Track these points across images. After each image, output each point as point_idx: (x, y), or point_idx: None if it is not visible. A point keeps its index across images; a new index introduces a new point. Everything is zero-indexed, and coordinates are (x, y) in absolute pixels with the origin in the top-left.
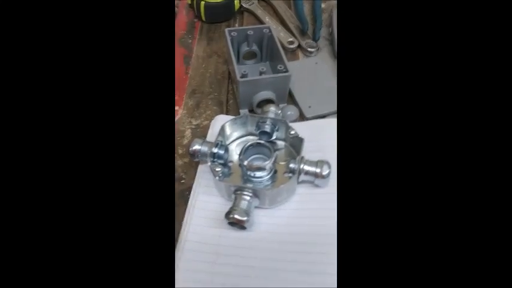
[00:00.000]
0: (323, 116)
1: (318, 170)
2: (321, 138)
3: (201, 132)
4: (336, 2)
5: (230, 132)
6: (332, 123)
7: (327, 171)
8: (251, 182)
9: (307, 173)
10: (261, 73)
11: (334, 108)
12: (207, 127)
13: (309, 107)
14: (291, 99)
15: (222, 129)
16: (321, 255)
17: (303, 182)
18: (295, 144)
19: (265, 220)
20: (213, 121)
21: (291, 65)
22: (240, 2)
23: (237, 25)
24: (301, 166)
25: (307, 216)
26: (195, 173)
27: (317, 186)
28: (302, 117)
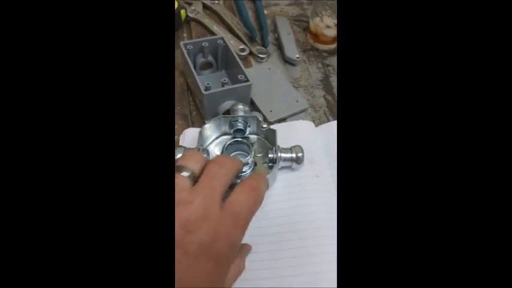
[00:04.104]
0: (284, 119)
1: (293, 155)
2: (290, 140)
3: None
4: (277, 8)
5: (207, 136)
6: (297, 124)
7: (300, 154)
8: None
9: (285, 159)
10: (223, 84)
11: (293, 110)
12: (176, 142)
13: (270, 111)
14: (253, 105)
15: (200, 134)
16: (303, 239)
17: (282, 168)
18: (269, 136)
19: None
20: (181, 135)
21: (247, 72)
22: (186, 12)
23: (185, 35)
24: (279, 154)
25: (288, 199)
26: None
27: (293, 170)
28: (266, 122)
